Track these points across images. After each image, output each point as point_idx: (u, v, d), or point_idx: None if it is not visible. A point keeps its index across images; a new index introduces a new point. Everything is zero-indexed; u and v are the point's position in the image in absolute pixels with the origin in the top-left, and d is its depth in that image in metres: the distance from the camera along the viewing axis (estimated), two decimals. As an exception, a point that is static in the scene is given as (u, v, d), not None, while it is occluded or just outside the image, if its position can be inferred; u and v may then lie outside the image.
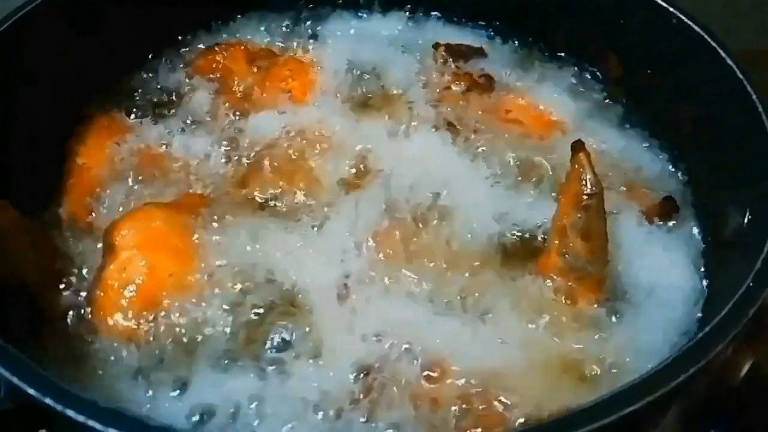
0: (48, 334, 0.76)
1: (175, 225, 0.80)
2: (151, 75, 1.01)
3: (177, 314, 0.75)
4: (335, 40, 1.06)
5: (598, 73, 1.03)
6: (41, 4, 0.86)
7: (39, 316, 0.77)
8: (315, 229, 0.83)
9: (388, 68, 1.01)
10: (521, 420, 0.68)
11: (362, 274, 0.79)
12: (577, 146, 0.77)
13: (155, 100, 0.99)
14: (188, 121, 0.96)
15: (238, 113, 0.96)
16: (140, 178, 0.88)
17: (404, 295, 0.78)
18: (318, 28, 1.09)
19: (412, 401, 0.70)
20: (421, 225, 0.83)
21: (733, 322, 0.61)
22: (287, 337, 0.74)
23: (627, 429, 0.56)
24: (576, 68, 1.04)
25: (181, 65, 1.03)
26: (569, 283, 0.77)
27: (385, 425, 0.69)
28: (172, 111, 0.97)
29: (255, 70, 1.01)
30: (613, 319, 0.77)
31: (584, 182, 0.75)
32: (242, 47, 1.03)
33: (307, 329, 0.75)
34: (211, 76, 1.00)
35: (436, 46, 1.04)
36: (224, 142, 0.93)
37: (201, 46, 1.06)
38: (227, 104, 0.97)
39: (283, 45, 1.06)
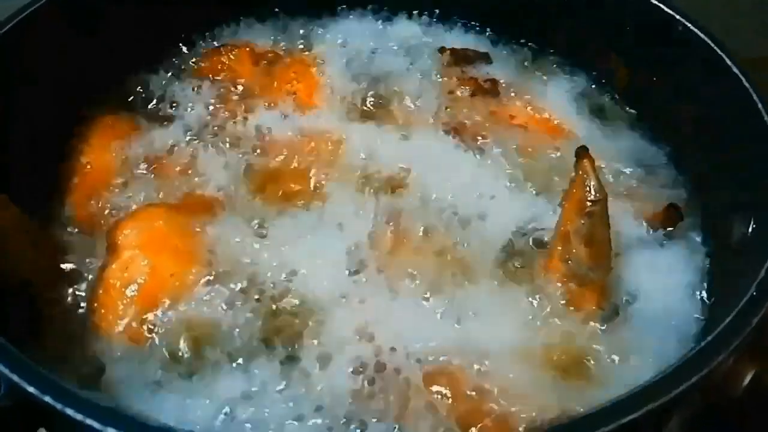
0: (48, 334, 0.76)
1: (177, 225, 0.81)
2: (154, 76, 1.01)
3: (178, 314, 0.75)
4: (340, 43, 1.06)
5: (602, 78, 1.03)
6: (44, 6, 0.87)
7: (38, 316, 0.77)
8: (318, 230, 0.83)
9: (394, 72, 1.01)
10: (521, 427, 0.67)
11: (366, 275, 0.79)
12: (582, 152, 0.77)
13: (159, 100, 0.99)
14: (192, 122, 0.95)
15: (242, 114, 0.96)
16: (143, 178, 0.88)
17: (406, 297, 0.78)
18: (323, 32, 1.08)
19: (412, 403, 0.70)
20: (424, 228, 0.83)
21: (736, 332, 0.61)
22: (288, 338, 0.74)
23: (628, 437, 0.56)
24: (581, 73, 1.04)
25: (185, 66, 1.03)
26: (571, 289, 0.77)
27: (386, 426, 0.68)
28: (176, 112, 0.97)
29: (260, 71, 1.01)
30: (615, 326, 0.76)
31: (588, 188, 0.75)
32: (248, 48, 1.03)
33: (310, 330, 0.75)
34: (216, 77, 1.00)
35: (441, 50, 1.04)
36: (228, 143, 0.92)
37: (205, 46, 1.06)
38: (232, 105, 0.97)
39: (287, 47, 1.07)
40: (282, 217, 0.84)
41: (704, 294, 0.80)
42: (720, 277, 0.80)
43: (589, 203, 0.75)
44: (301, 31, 1.09)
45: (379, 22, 1.10)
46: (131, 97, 0.98)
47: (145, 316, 0.75)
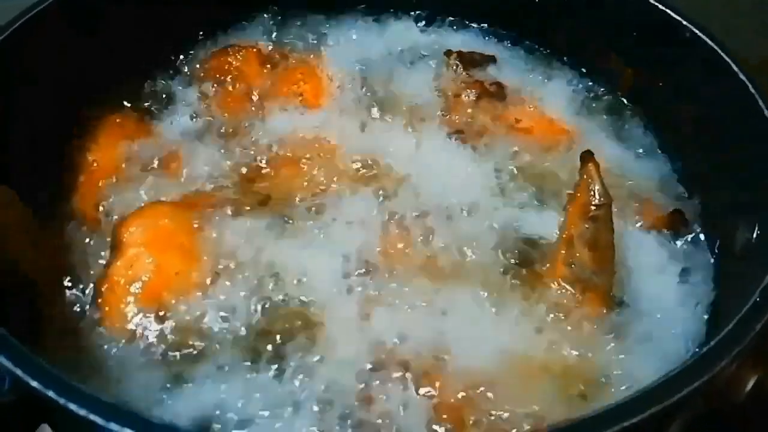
0: (48, 333, 0.76)
1: (182, 223, 0.81)
2: (155, 75, 1.01)
3: (182, 312, 0.76)
4: (347, 44, 1.06)
5: (607, 81, 1.03)
6: (45, 7, 0.87)
7: (39, 316, 0.77)
8: (322, 231, 0.83)
9: (400, 74, 1.02)
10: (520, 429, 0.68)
11: (368, 277, 0.79)
12: (587, 156, 0.77)
13: (162, 100, 0.99)
14: (198, 122, 0.96)
15: (249, 115, 0.96)
16: (149, 176, 0.88)
17: (406, 299, 0.77)
18: (330, 33, 1.08)
19: (409, 405, 0.70)
20: (426, 231, 0.83)
21: (739, 338, 0.60)
22: (291, 338, 0.74)
23: (629, 441, 0.56)
24: (585, 76, 1.04)
25: (188, 66, 1.03)
26: (575, 294, 0.77)
27: (382, 427, 0.68)
28: (181, 111, 0.97)
29: (267, 72, 1.01)
30: (617, 330, 0.76)
31: (593, 193, 0.75)
32: (255, 49, 1.03)
33: (312, 330, 0.75)
34: (222, 77, 1.00)
35: (448, 53, 1.04)
36: (234, 143, 0.93)
37: (207, 47, 1.05)
38: (238, 105, 0.97)
39: (294, 49, 1.06)
40: (285, 217, 0.84)
41: (708, 299, 0.80)
42: (724, 283, 0.80)
43: (593, 207, 0.75)
44: (308, 33, 1.09)
45: (385, 23, 1.10)
46: (133, 97, 0.98)
47: (149, 314, 0.75)
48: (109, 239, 0.81)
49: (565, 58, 1.05)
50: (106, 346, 0.75)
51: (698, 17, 0.90)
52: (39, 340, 0.74)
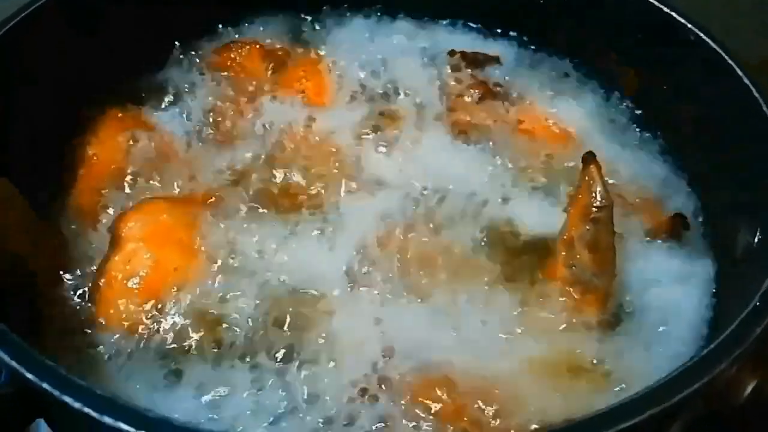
0: (48, 334, 0.76)
1: (182, 219, 0.81)
2: (156, 74, 1.01)
3: (180, 308, 0.76)
4: (350, 43, 1.06)
5: (610, 83, 1.02)
6: (44, 6, 0.86)
7: (39, 316, 0.77)
8: (322, 229, 0.83)
9: (403, 73, 1.01)
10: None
11: (368, 276, 0.79)
12: (589, 158, 0.77)
13: (164, 97, 0.98)
14: (199, 118, 0.95)
15: (250, 112, 0.96)
16: (150, 171, 0.88)
17: (406, 300, 0.77)
18: (333, 31, 1.08)
19: (408, 407, 0.69)
20: (428, 230, 0.83)
21: (738, 341, 0.60)
22: (290, 336, 0.74)
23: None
24: (589, 78, 1.04)
25: (189, 64, 1.03)
26: (574, 295, 0.77)
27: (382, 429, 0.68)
28: (183, 108, 0.97)
29: (270, 69, 1.01)
30: (617, 333, 0.76)
31: (594, 194, 0.75)
32: (258, 46, 1.03)
33: (310, 328, 0.75)
34: (225, 73, 1.00)
35: (451, 53, 1.03)
36: (234, 140, 0.93)
37: (208, 46, 1.05)
38: (240, 102, 0.97)
39: (297, 46, 1.06)
40: (286, 216, 0.84)
41: (709, 303, 0.80)
42: (725, 286, 0.80)
43: (594, 209, 0.75)
44: (312, 31, 1.09)
45: (389, 22, 1.10)
46: (133, 97, 0.98)
47: (147, 309, 0.75)
48: (108, 233, 0.81)
49: (568, 60, 1.05)
50: (103, 341, 0.75)
51: (698, 17, 0.90)
52: (39, 339, 0.74)
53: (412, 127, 0.95)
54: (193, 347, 0.74)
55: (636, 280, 0.80)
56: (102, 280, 0.77)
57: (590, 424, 0.56)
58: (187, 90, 0.99)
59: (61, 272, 0.80)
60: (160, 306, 0.76)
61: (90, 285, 0.78)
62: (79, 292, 0.79)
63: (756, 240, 0.74)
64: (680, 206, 0.89)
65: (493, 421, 0.68)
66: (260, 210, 0.84)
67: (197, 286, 0.77)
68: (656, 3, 0.93)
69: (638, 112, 0.99)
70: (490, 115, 0.97)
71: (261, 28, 1.08)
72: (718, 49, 0.86)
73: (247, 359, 0.73)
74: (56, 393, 0.55)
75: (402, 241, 0.82)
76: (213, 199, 0.85)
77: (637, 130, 0.98)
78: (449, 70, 1.02)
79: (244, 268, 0.79)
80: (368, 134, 0.94)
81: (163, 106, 0.97)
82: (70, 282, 0.79)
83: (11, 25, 0.83)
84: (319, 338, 0.74)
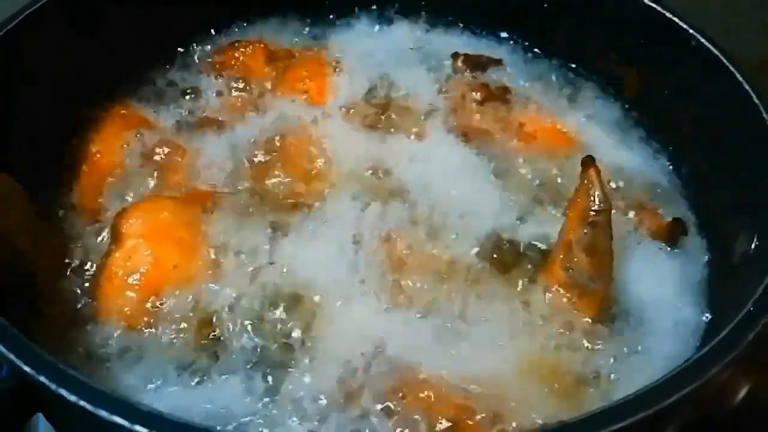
0: (49, 333, 0.76)
1: (182, 217, 0.81)
2: (161, 73, 1.02)
3: (179, 305, 0.76)
4: (353, 44, 1.06)
5: (610, 85, 1.03)
6: (44, 6, 0.87)
7: (38, 315, 0.77)
8: (322, 228, 0.83)
9: (406, 75, 1.01)
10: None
11: (367, 276, 0.79)
12: (588, 162, 0.77)
13: (168, 96, 0.99)
14: (202, 117, 0.96)
15: (253, 111, 0.97)
16: (151, 169, 0.89)
17: (403, 302, 0.78)
18: (337, 32, 1.09)
19: (398, 408, 0.69)
20: (425, 232, 0.83)
21: (731, 346, 0.60)
22: (286, 335, 0.75)
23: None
24: (590, 80, 1.04)
25: (191, 63, 1.03)
26: (571, 298, 0.77)
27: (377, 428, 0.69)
28: (186, 106, 0.98)
29: (273, 68, 1.01)
30: (613, 335, 0.76)
31: (593, 198, 0.75)
32: (262, 45, 1.03)
33: (305, 328, 0.75)
34: (228, 73, 1.01)
35: (455, 55, 1.04)
36: (237, 139, 0.93)
37: (211, 45, 1.06)
38: (242, 101, 0.98)
39: (301, 46, 1.07)
40: (286, 216, 0.84)
41: (705, 307, 0.80)
42: (721, 291, 0.80)
43: (592, 213, 0.75)
44: (315, 31, 1.09)
45: (391, 24, 1.11)
46: (134, 96, 0.98)
47: (146, 306, 0.76)
48: (109, 229, 0.82)
49: (568, 61, 1.05)
50: (102, 337, 0.75)
51: (698, 17, 0.90)
52: (39, 337, 0.74)
53: (413, 128, 0.95)
54: (191, 344, 0.74)
55: (633, 284, 0.81)
56: (102, 276, 0.78)
57: (581, 426, 0.56)
58: (189, 90, 1.00)
59: (62, 270, 0.80)
60: (159, 302, 0.76)
61: (91, 279, 0.79)
62: (79, 289, 0.79)
63: (753, 247, 0.75)
64: (678, 209, 0.89)
65: (485, 424, 0.68)
66: (260, 209, 0.84)
67: (196, 284, 0.77)
68: (654, 5, 0.93)
69: (638, 113, 1.00)
70: (491, 117, 0.97)
71: (264, 29, 1.08)
72: (715, 50, 0.86)
73: (243, 357, 0.73)
74: (53, 386, 0.55)
75: (399, 243, 0.82)
76: (213, 197, 0.85)
77: (637, 131, 0.99)
78: (451, 73, 1.03)
79: (242, 267, 0.79)
80: (370, 135, 0.94)
81: (164, 105, 0.98)
82: (70, 282, 0.80)
83: (12, 26, 0.84)
84: (313, 338, 0.75)
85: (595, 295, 0.77)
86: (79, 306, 0.78)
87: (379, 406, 0.69)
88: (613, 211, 0.76)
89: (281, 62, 1.02)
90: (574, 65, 1.05)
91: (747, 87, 0.81)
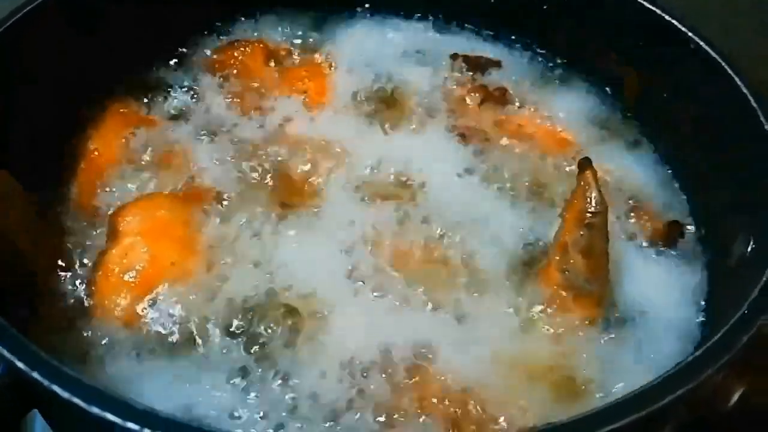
0: (50, 333, 0.76)
1: (180, 215, 0.81)
2: (161, 73, 1.02)
3: (175, 303, 0.76)
4: (352, 45, 1.06)
5: (610, 87, 1.03)
6: (43, 5, 0.86)
7: (37, 315, 0.77)
8: (320, 229, 0.83)
9: (405, 75, 1.01)
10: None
11: (365, 276, 0.79)
12: (584, 164, 0.77)
13: (167, 95, 0.99)
14: (199, 116, 0.96)
15: (251, 111, 0.96)
16: (148, 167, 0.89)
17: (402, 302, 0.78)
18: (336, 33, 1.09)
19: (399, 408, 0.70)
20: (425, 234, 0.83)
21: (725, 348, 0.60)
22: (286, 333, 0.75)
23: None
24: (589, 82, 1.04)
25: (190, 63, 1.03)
26: (567, 300, 0.77)
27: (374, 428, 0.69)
28: (185, 105, 0.97)
29: (272, 68, 1.02)
30: (609, 338, 0.76)
31: (589, 200, 0.75)
32: (261, 45, 1.03)
33: (306, 327, 0.75)
34: (227, 72, 1.01)
35: (454, 56, 1.04)
36: (235, 139, 0.93)
37: (210, 44, 1.06)
38: (241, 101, 0.98)
39: (300, 46, 1.07)
40: (285, 216, 0.84)
41: (701, 309, 0.80)
42: (718, 293, 0.80)
43: (589, 215, 0.75)
44: (313, 33, 1.09)
45: (390, 24, 1.10)
46: (134, 95, 0.98)
47: (142, 303, 0.76)
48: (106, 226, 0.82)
49: (568, 61, 1.06)
50: (99, 334, 0.75)
51: (697, 17, 0.89)
52: (37, 335, 0.73)
53: (412, 129, 0.95)
54: (188, 341, 0.74)
55: (629, 285, 0.81)
56: (99, 273, 0.78)
57: (575, 427, 0.56)
58: (187, 89, 0.99)
59: (60, 268, 0.80)
60: (156, 300, 0.76)
61: (88, 276, 0.79)
62: (78, 288, 0.79)
63: (749, 250, 0.74)
64: (676, 210, 0.89)
65: (482, 424, 0.69)
66: (259, 208, 0.84)
67: (193, 282, 0.77)
68: (652, 7, 0.93)
69: (636, 114, 1.00)
70: (490, 118, 0.97)
71: (263, 28, 1.08)
72: (711, 52, 0.86)
73: (241, 356, 0.73)
74: (46, 383, 0.55)
75: (399, 243, 0.82)
76: (212, 196, 0.85)
77: (635, 132, 0.98)
78: (451, 73, 1.03)
79: (240, 265, 0.79)
80: (368, 135, 0.94)
81: (163, 104, 0.98)
82: (70, 282, 0.80)
83: (11, 24, 0.83)
84: (315, 336, 0.74)
85: (591, 297, 0.77)
86: (78, 306, 0.78)
87: (378, 407, 0.70)
88: (609, 213, 0.76)
89: (280, 62, 1.02)
90: (573, 66, 1.05)
91: (745, 89, 0.81)
